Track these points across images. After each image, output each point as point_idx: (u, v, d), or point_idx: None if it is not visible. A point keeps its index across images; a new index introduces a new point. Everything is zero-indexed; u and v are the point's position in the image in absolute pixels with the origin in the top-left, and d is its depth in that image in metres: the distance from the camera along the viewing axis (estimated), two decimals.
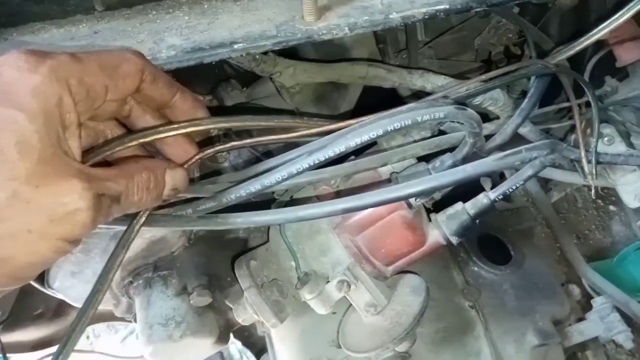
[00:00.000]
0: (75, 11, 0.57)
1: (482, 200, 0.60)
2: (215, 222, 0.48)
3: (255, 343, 1.31)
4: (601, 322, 0.88)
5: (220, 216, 0.49)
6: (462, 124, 0.51)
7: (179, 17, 0.56)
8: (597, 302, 0.91)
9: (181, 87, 0.49)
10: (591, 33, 0.64)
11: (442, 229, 0.61)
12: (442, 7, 0.54)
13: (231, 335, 0.86)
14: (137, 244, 0.70)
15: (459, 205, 0.61)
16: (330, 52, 0.80)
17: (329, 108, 0.79)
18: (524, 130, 0.76)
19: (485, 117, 0.83)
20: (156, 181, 0.43)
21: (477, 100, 0.71)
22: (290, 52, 0.76)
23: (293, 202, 0.62)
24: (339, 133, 0.49)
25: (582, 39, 0.64)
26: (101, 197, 0.39)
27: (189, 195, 0.53)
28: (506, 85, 0.75)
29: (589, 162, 0.72)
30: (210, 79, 0.85)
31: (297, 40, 0.52)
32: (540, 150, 0.47)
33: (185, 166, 0.47)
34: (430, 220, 0.63)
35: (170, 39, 0.53)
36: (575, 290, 0.96)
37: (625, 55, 0.80)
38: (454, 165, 0.57)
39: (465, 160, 0.57)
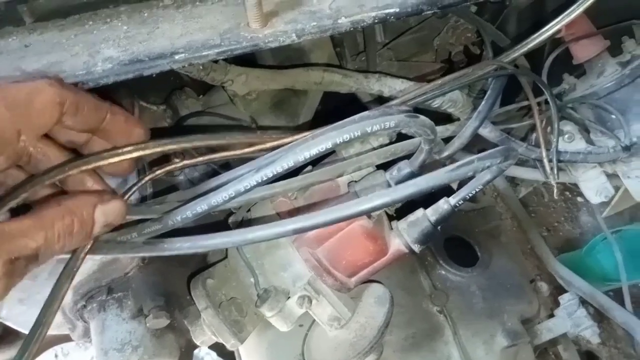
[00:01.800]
0: (3, 23, 0.53)
1: (442, 206, 0.58)
2: (161, 248, 0.45)
3: (231, 353, 1.29)
4: (569, 319, 0.88)
5: (166, 241, 0.46)
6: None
7: (117, 27, 0.53)
8: (564, 298, 0.91)
9: (111, 107, 0.45)
10: (542, 30, 0.63)
11: (403, 237, 0.60)
12: (392, 10, 0.53)
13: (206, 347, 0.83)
14: (88, 266, 0.67)
15: (420, 212, 0.60)
16: (288, 56, 0.78)
17: (288, 114, 0.77)
18: (484, 132, 0.75)
19: (448, 117, 0.82)
20: (82, 223, 0.39)
21: (436, 102, 0.70)
22: (245, 58, 0.74)
23: (250, 222, 0.60)
24: (288, 147, 0.47)
25: (534, 36, 0.64)
26: (15, 261, 0.34)
27: (135, 217, 0.50)
28: (466, 85, 0.74)
29: (550, 161, 0.72)
30: (164, 87, 0.82)
31: (242, 49, 0.50)
32: (493, 159, 0.46)
33: (125, 197, 0.44)
34: (391, 228, 0.61)
35: (107, 50, 0.50)
36: (543, 286, 0.97)
37: (581, 52, 0.80)
38: (412, 172, 0.56)
39: (423, 167, 0.56)
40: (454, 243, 0.88)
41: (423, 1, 0.53)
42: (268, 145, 0.48)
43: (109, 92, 0.50)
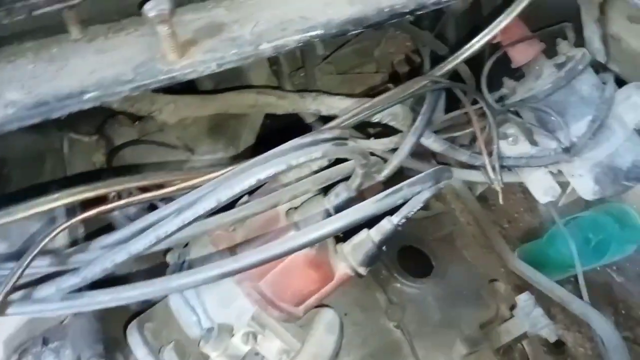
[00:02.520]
0: None
1: (385, 226, 0.57)
2: (81, 304, 0.42)
3: None
4: (526, 319, 0.89)
5: (86, 295, 0.43)
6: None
7: (23, 66, 0.49)
8: (521, 299, 0.92)
9: None
10: (475, 40, 0.63)
11: (348, 260, 0.58)
12: (316, 32, 0.51)
13: None
14: (17, 318, 0.62)
15: (363, 233, 0.58)
16: (226, 77, 0.75)
17: (227, 138, 0.74)
18: (427, 142, 0.74)
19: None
20: None
21: (376, 117, 0.69)
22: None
23: (187, 259, 0.57)
24: (211, 186, 0.45)
25: (468, 45, 0.63)
26: None
27: (54, 269, 0.47)
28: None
29: (493, 169, 0.72)
30: (96, 116, 0.78)
31: (158, 83, 0.47)
32: (423, 184, 0.45)
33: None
34: (336, 251, 0.60)
35: (10, 94, 0.46)
36: (500, 287, 0.97)
37: (518, 56, 0.80)
38: (349, 197, 0.54)
39: (361, 189, 0.54)
40: (407, 253, 0.88)
41: (347, 21, 0.51)
42: (189, 183, 0.46)
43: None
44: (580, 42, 0.80)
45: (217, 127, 0.75)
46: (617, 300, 1.80)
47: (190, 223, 0.41)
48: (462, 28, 0.89)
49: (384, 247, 0.58)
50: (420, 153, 0.88)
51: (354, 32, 0.52)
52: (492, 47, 0.83)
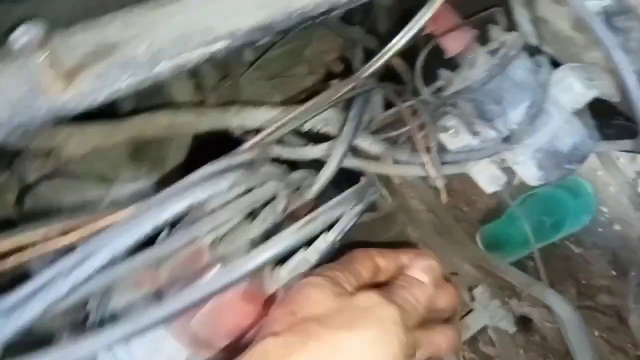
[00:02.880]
0: None
1: (321, 245, 0.53)
2: None
3: None
4: (485, 312, 0.88)
5: None
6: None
7: None
8: (477, 292, 0.91)
9: None
10: (399, 38, 0.60)
11: (286, 287, 0.54)
12: (221, 44, 0.46)
13: None
14: None
15: (299, 256, 0.54)
16: (145, 94, 0.69)
17: (152, 160, 0.69)
18: (365, 145, 0.71)
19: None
20: None
21: (307, 126, 0.65)
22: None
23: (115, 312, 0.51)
24: (100, 239, 0.40)
25: (393, 42, 0.60)
26: None
27: None
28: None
29: (434, 168, 0.70)
30: (5, 151, 0.70)
31: (39, 121, 0.41)
32: (345, 206, 0.41)
33: None
34: (272, 277, 0.55)
35: None
36: (458, 281, 0.96)
37: (451, 46, 0.77)
38: (276, 221, 0.50)
39: (286, 212, 0.50)
40: None
41: (254, 29, 0.47)
42: (89, 231, 0.41)
43: None
44: (512, 26, 0.78)
45: (139, 150, 0.69)
46: (577, 271, 1.84)
47: (83, 282, 0.36)
48: (395, 20, 0.86)
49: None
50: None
51: (264, 41, 0.48)
52: (426, 38, 0.81)
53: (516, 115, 0.76)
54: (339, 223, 0.52)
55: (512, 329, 0.88)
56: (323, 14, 0.49)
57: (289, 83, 0.81)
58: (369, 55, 0.80)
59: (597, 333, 1.64)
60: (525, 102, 0.75)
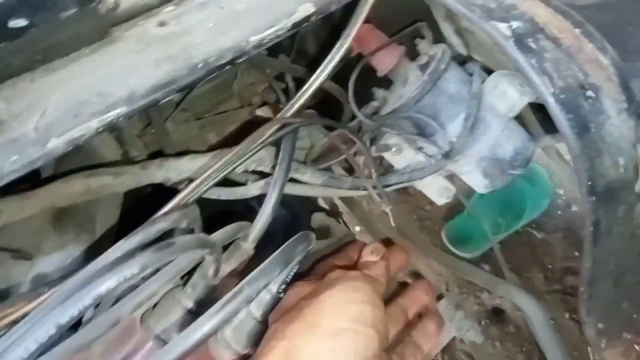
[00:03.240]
0: None
1: (265, 297, 0.50)
2: None
3: None
4: (451, 324, 0.87)
5: None
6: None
7: None
8: (440, 305, 0.89)
9: None
10: (321, 68, 0.57)
11: (231, 346, 0.51)
12: (117, 111, 0.43)
13: None
14: None
15: (242, 312, 0.51)
16: (68, 157, 0.64)
17: (78, 225, 0.64)
18: (305, 178, 0.69)
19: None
20: None
21: (240, 169, 0.62)
22: None
23: None
24: (22, 326, 0.36)
25: (314, 77, 0.58)
26: None
27: None
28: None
29: (377, 193, 0.68)
30: None
31: None
32: (268, 276, 0.38)
33: None
34: (216, 338, 0.52)
35: None
36: None
37: (381, 65, 0.76)
38: (208, 285, 0.47)
39: (218, 274, 0.47)
40: None
41: (153, 88, 0.44)
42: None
43: None
44: (439, 38, 0.77)
45: (63, 215, 0.64)
46: (542, 255, 1.87)
47: None
48: (323, 41, 0.84)
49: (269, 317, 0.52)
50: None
51: (167, 99, 0.45)
52: (357, 59, 0.79)
53: (454, 127, 0.75)
54: (282, 273, 0.49)
55: (479, 339, 0.87)
56: (230, 61, 0.46)
57: (221, 119, 0.78)
58: (299, 82, 0.78)
59: (567, 315, 1.67)
60: (461, 114, 0.74)
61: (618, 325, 0.50)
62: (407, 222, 1.96)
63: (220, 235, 0.48)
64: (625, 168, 0.43)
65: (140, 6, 0.51)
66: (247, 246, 0.51)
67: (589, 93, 0.41)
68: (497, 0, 0.44)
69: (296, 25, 0.48)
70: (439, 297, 0.98)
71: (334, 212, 0.95)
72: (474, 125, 0.74)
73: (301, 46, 0.82)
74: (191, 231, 0.47)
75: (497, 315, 1.72)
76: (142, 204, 0.66)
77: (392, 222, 0.66)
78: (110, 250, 0.39)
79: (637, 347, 0.49)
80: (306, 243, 0.42)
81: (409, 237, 1.29)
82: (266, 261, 0.40)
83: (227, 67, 0.46)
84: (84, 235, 0.63)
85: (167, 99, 0.44)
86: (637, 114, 0.44)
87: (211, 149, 0.71)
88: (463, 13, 0.43)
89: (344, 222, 1.01)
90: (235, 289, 0.38)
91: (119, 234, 0.66)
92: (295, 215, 0.98)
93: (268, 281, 0.39)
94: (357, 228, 1.44)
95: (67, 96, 0.44)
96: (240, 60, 0.46)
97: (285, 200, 1.01)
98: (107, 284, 0.34)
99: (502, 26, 0.42)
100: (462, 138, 0.72)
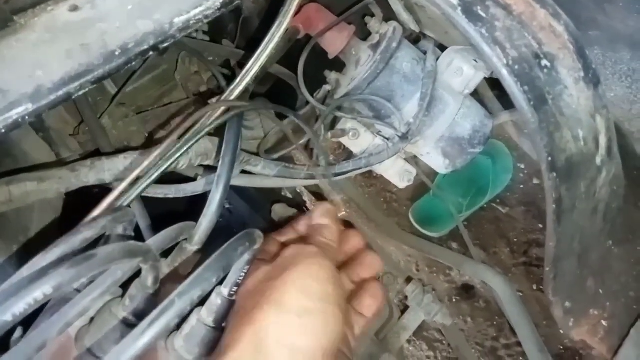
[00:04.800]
0: None
1: (216, 301, 0.46)
2: None
3: None
4: (420, 308, 0.85)
5: None
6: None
7: None
8: (409, 290, 0.88)
9: None
10: (258, 52, 0.53)
11: (183, 357, 0.47)
12: (21, 109, 0.37)
13: None
14: None
15: (193, 319, 0.47)
16: None
17: (9, 239, 0.58)
18: (257, 170, 0.64)
19: None
20: None
21: (182, 163, 0.57)
22: None
23: None
24: None
25: (253, 59, 0.53)
26: None
27: None
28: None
29: (329, 183, 0.64)
30: None
31: None
32: (205, 284, 0.34)
33: None
34: (167, 348, 0.48)
35: None
36: (390, 279, 0.92)
37: (331, 46, 0.72)
38: (147, 295, 0.42)
39: (157, 282, 0.42)
40: None
41: (63, 81, 0.38)
42: None
43: None
44: (389, 15, 0.74)
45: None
46: (507, 230, 1.89)
47: None
48: (268, 24, 0.79)
49: (223, 324, 0.48)
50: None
51: (79, 93, 0.39)
52: (306, 40, 0.75)
53: (410, 108, 0.72)
54: (231, 273, 0.45)
55: (448, 321, 0.86)
56: (152, 48, 0.41)
57: (165, 112, 0.72)
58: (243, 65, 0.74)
59: (534, 287, 1.69)
60: (417, 94, 0.71)
61: (584, 303, 0.48)
62: (375, 205, 1.94)
63: (159, 239, 0.43)
64: (585, 141, 0.41)
65: None
66: (192, 248, 0.47)
67: (544, 62, 0.39)
68: None
69: (225, 4, 0.43)
70: (408, 281, 0.97)
71: (297, 201, 0.91)
72: (430, 104, 0.71)
73: (246, 30, 0.77)
74: (129, 237, 0.42)
75: (467, 291, 1.74)
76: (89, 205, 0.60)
77: (342, 211, 0.62)
78: (24, 268, 0.34)
79: (604, 322, 0.48)
80: (248, 243, 0.38)
81: (376, 220, 1.27)
82: (200, 268, 0.36)
83: (150, 53, 0.41)
84: (16, 248, 0.57)
85: (81, 92, 0.39)
86: (594, 83, 0.42)
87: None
88: None
89: (307, 210, 0.97)
90: (165, 302, 0.34)
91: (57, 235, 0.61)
92: (254, 207, 0.94)
93: (204, 290, 0.35)
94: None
95: None
96: (165, 44, 0.41)
97: (243, 192, 0.97)
98: (13, 310, 0.29)
99: None
100: (419, 119, 0.70)
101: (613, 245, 0.52)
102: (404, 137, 0.69)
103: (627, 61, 0.69)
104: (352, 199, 1.30)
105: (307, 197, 1.20)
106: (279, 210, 0.88)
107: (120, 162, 0.53)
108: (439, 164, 0.77)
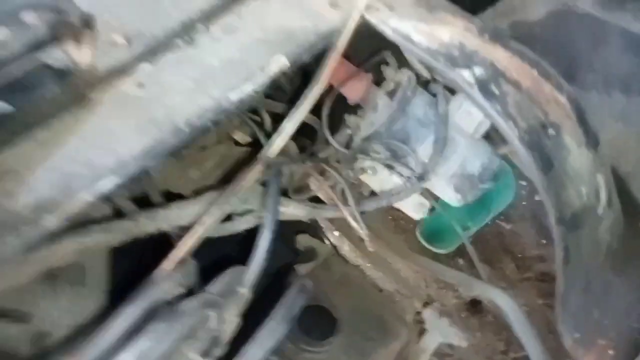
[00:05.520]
0: None
1: None
2: None
3: None
4: (437, 331, 0.91)
5: None
6: None
7: None
8: (426, 313, 0.94)
9: None
10: (297, 110, 0.59)
11: None
12: (110, 180, 0.43)
13: None
14: None
15: None
16: None
17: (69, 280, 0.63)
18: (289, 211, 0.71)
19: None
20: None
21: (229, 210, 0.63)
22: None
23: None
24: None
25: (290, 118, 0.59)
26: None
27: None
28: None
29: (354, 219, 0.71)
30: None
31: None
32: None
33: None
34: None
35: None
36: (403, 301, 0.98)
37: (351, 94, 0.79)
38: (211, 337, 0.48)
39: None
40: (307, 312, 0.84)
41: (142, 155, 0.44)
42: None
43: None
44: (403, 62, 0.80)
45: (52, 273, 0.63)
46: (511, 245, 1.95)
47: None
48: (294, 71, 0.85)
49: None
50: None
51: (155, 166, 0.46)
52: (328, 89, 0.81)
53: (425, 149, 0.79)
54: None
55: (464, 344, 0.92)
56: (213, 122, 0.48)
57: (200, 156, 0.79)
58: (274, 116, 0.80)
59: (540, 301, 1.74)
60: (430, 136, 0.78)
61: (592, 333, 0.54)
62: (383, 222, 2.00)
63: (217, 287, 0.49)
64: (587, 196, 0.47)
65: (116, 66, 0.51)
66: (244, 291, 0.53)
67: (551, 131, 0.45)
68: (459, 48, 0.48)
69: (273, 78, 0.50)
70: (425, 305, 1.03)
71: (317, 230, 0.98)
72: (443, 145, 0.78)
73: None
74: (190, 291, 0.48)
75: (474, 306, 1.79)
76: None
77: (369, 247, 0.68)
78: (118, 320, 0.40)
79: (610, 352, 0.54)
80: (305, 295, 0.44)
81: (385, 238, 1.33)
82: (267, 322, 0.41)
83: (212, 126, 0.47)
84: (76, 287, 0.63)
85: (157, 166, 0.45)
86: (594, 145, 0.49)
87: (194, 187, 0.72)
88: (429, 62, 0.46)
89: (326, 237, 1.03)
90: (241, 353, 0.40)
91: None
92: (280, 237, 1.00)
93: (276, 341, 0.41)
94: (336, 233, 1.47)
95: (55, 167, 0.44)
96: (223, 118, 0.48)
97: None
98: None
99: (466, 73, 0.45)
100: (434, 159, 0.76)
101: (613, 275, 0.58)
102: (421, 178, 0.76)
103: (621, 104, 0.75)
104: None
105: (324, 224, 1.26)
106: (303, 241, 0.94)
107: (175, 212, 0.59)
108: (452, 198, 0.83)
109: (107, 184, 0.43)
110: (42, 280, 0.64)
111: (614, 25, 0.87)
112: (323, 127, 0.77)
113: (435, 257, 1.82)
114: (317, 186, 0.72)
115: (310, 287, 0.49)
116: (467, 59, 0.47)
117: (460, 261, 1.88)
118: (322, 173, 0.78)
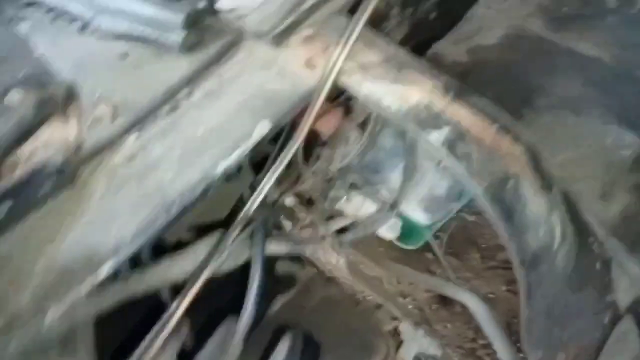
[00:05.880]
0: None
1: None
2: None
3: None
4: (412, 342, 0.97)
5: None
6: None
7: None
8: (402, 327, 0.99)
9: None
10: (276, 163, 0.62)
11: None
12: (107, 265, 0.45)
13: None
14: None
15: None
16: None
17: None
18: (273, 248, 0.74)
19: None
20: None
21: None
22: None
23: None
24: None
25: (271, 172, 0.62)
26: None
27: None
28: None
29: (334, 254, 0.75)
30: None
31: None
32: None
33: None
34: None
35: None
36: (383, 314, 1.04)
37: (324, 128, 0.82)
38: None
39: None
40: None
41: (137, 234, 0.46)
42: None
43: None
44: None
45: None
46: (475, 236, 2.04)
47: None
48: None
49: None
50: None
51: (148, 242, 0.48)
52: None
53: (395, 177, 0.84)
54: None
55: (439, 352, 0.98)
56: (203, 193, 0.50)
57: None
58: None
59: (504, 288, 1.84)
60: (400, 165, 0.82)
61: (553, 349, 0.61)
62: None
63: (211, 345, 0.52)
64: (544, 236, 0.53)
65: (104, 139, 0.51)
66: (237, 344, 0.56)
67: (510, 183, 0.50)
68: (426, 109, 0.52)
69: (258, 143, 0.52)
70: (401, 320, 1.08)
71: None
72: (412, 172, 0.83)
73: None
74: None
75: (444, 299, 1.88)
76: None
77: (348, 277, 0.72)
78: None
79: None
80: (296, 345, 0.47)
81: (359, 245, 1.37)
82: None
83: (202, 198, 0.49)
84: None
85: (148, 242, 0.47)
86: (549, 187, 0.54)
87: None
88: (399, 124, 0.50)
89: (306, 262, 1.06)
90: None
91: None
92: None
93: None
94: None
95: (53, 258, 0.45)
96: (213, 188, 0.50)
97: None
98: None
99: (434, 136, 0.49)
100: (405, 186, 0.81)
101: (571, 294, 0.65)
102: (393, 207, 0.81)
103: (572, 126, 0.82)
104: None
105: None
106: (283, 266, 0.97)
107: (164, 269, 0.61)
108: (422, 218, 0.89)
109: (107, 269, 0.45)
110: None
111: (562, 47, 0.94)
112: (299, 161, 0.80)
113: (405, 252, 1.88)
114: (296, 224, 0.75)
115: (299, 343, 0.52)
116: (434, 120, 0.51)
117: (428, 255, 1.96)
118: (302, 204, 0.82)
